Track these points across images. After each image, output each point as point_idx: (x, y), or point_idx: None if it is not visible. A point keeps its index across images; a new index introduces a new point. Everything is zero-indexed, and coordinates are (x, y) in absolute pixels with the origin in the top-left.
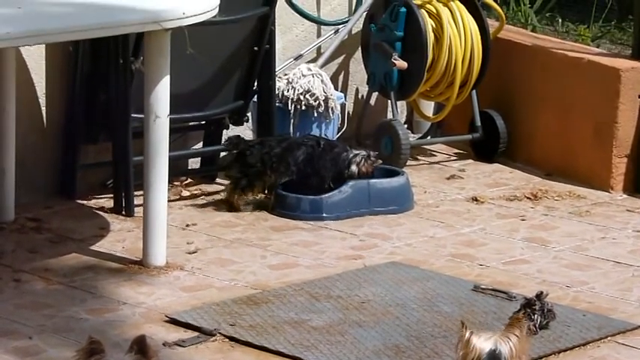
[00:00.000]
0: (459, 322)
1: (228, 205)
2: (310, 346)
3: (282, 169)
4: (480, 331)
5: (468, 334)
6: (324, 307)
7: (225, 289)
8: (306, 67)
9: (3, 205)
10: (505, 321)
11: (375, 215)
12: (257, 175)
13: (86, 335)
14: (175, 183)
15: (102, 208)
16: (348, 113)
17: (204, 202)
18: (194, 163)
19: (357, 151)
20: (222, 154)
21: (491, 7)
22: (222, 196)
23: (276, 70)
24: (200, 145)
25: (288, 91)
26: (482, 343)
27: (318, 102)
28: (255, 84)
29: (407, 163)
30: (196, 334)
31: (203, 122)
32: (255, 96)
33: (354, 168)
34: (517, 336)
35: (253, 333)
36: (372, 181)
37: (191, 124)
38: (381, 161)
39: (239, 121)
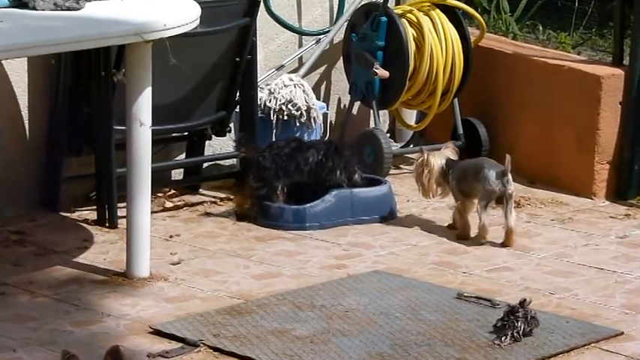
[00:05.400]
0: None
1: (240, 216)
2: (294, 356)
3: (292, 168)
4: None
5: (425, 155)
6: (307, 317)
7: (208, 300)
8: (288, 77)
9: None
10: (489, 329)
11: (358, 224)
12: (273, 179)
13: (71, 348)
14: (158, 194)
15: (85, 220)
16: (331, 123)
17: (188, 213)
18: (177, 175)
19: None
20: (205, 164)
21: (472, 16)
22: (233, 207)
23: (258, 80)
24: (183, 156)
25: (270, 101)
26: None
27: (300, 112)
28: (238, 95)
29: (390, 172)
30: (180, 344)
31: (185, 133)
32: (238, 107)
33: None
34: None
35: (237, 343)
36: (355, 190)
37: (173, 135)
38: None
39: (221, 132)
